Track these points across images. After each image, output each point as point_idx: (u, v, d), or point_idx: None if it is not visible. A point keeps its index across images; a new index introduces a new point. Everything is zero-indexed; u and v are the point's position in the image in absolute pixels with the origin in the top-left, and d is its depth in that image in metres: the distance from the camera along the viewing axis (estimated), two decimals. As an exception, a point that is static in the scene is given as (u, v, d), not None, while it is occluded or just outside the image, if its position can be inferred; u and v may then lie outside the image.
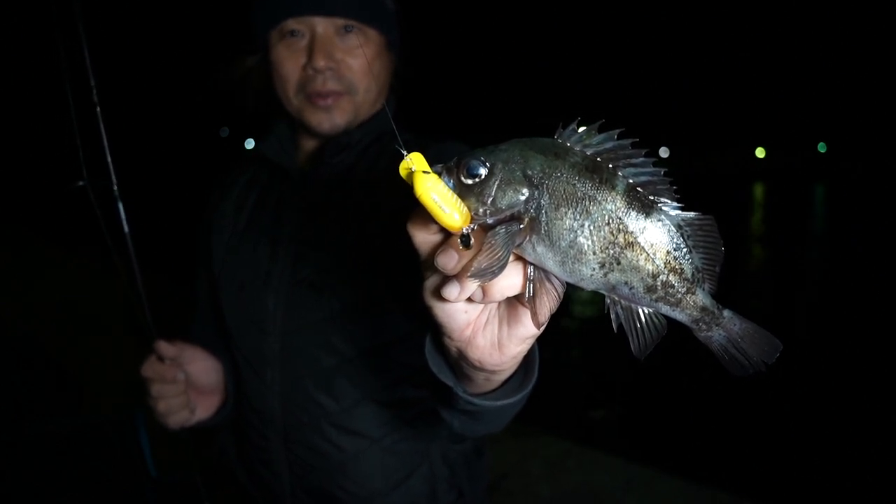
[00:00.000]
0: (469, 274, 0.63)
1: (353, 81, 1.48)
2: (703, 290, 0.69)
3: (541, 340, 0.81)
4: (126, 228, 1.46)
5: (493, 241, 0.64)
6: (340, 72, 1.46)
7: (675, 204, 0.67)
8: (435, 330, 0.80)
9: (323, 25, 1.45)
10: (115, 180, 1.45)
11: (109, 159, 1.44)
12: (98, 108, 1.41)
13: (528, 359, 0.90)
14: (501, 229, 0.64)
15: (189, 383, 1.50)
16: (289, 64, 1.47)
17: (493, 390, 0.91)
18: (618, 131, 0.66)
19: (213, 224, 1.66)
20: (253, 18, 1.52)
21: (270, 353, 1.47)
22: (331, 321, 1.43)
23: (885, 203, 26.38)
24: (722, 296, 0.71)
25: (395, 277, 1.36)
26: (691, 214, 0.68)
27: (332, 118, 1.48)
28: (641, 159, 0.66)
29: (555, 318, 0.72)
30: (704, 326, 0.71)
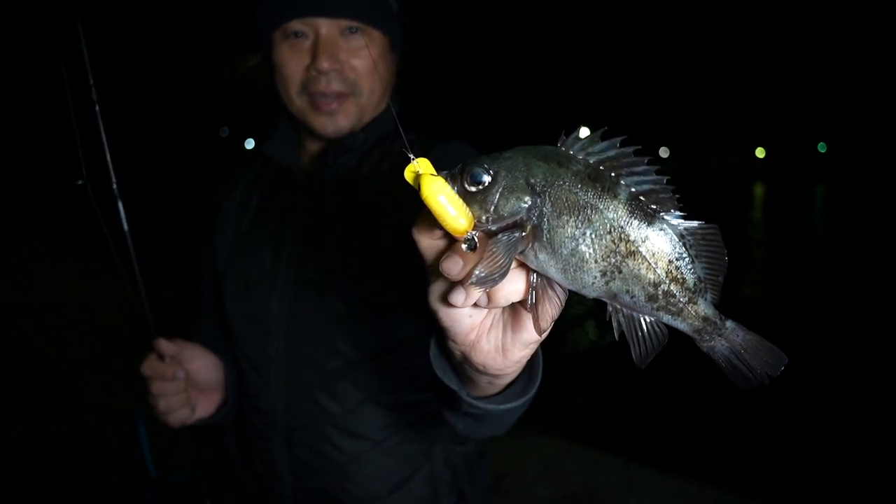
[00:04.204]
0: (470, 281, 0.63)
1: (358, 82, 1.47)
2: (706, 299, 0.69)
3: (542, 343, 0.81)
4: (125, 227, 1.46)
5: (494, 249, 0.64)
6: (344, 73, 1.45)
7: (677, 213, 0.67)
8: (440, 334, 0.80)
9: (327, 27, 1.44)
10: (114, 179, 1.45)
11: (108, 158, 1.44)
12: (97, 107, 1.41)
13: (531, 363, 0.91)
14: (503, 237, 0.65)
15: (189, 381, 1.50)
16: (292, 65, 1.46)
17: (497, 394, 0.92)
18: (620, 139, 0.66)
19: (217, 224, 1.66)
20: (256, 18, 1.51)
21: (274, 354, 1.47)
22: (335, 323, 1.43)
23: (885, 203, 26.37)
24: (723, 303, 0.71)
25: (399, 280, 1.36)
26: (694, 223, 0.67)
27: (336, 122, 1.48)
28: (644, 167, 0.66)
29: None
30: (707, 337, 0.71)
